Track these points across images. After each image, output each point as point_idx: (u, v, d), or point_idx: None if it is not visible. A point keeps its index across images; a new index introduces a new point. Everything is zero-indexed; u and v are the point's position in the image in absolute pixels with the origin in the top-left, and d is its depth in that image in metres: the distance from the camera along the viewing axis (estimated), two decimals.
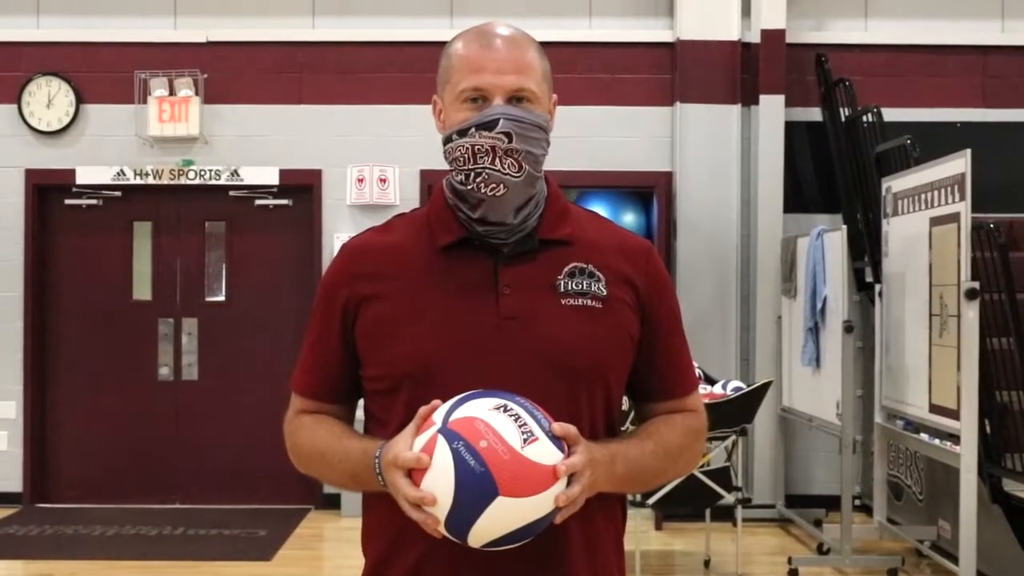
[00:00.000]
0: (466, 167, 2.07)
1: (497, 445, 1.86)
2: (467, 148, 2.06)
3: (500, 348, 2.03)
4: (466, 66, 2.09)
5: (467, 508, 1.87)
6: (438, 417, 1.92)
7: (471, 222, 2.12)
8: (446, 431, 1.89)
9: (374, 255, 2.15)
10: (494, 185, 2.06)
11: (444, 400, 1.95)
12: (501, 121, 2.04)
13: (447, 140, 2.10)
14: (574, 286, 2.11)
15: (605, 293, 2.12)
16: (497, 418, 1.88)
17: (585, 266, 2.13)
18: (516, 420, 1.88)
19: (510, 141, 2.04)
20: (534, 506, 1.88)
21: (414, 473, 1.91)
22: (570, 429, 1.93)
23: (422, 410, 1.94)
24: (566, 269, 2.12)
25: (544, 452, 1.88)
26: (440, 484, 1.87)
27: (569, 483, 1.91)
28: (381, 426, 2.10)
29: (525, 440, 1.87)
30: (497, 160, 2.05)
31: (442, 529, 1.90)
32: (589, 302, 2.10)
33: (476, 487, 1.85)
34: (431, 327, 2.06)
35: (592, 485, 1.95)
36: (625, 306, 2.14)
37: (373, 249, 2.17)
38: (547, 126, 2.12)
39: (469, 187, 2.08)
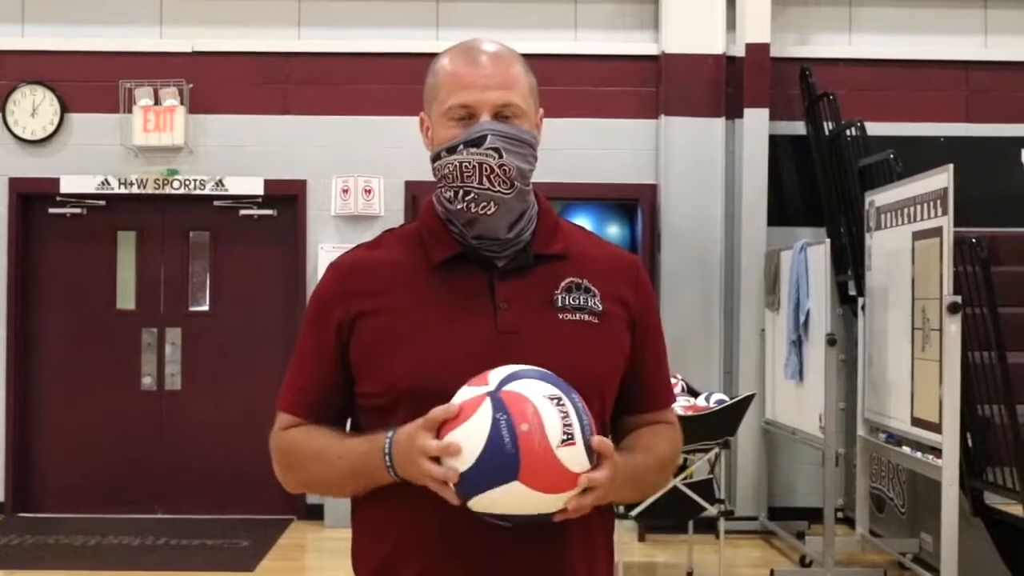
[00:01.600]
0: (455, 184, 2.07)
1: (536, 435, 1.85)
2: (455, 166, 2.06)
3: (499, 363, 1.99)
4: (452, 83, 2.10)
5: (483, 478, 1.86)
6: (494, 378, 1.91)
7: (465, 236, 2.12)
8: (496, 398, 1.88)
9: (367, 272, 2.14)
10: (484, 204, 2.06)
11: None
12: (489, 137, 2.05)
13: (436, 157, 2.11)
14: (571, 301, 2.12)
15: (601, 308, 2.13)
16: (548, 408, 1.87)
17: (581, 281, 2.14)
18: (564, 418, 1.87)
19: (500, 157, 2.05)
20: (544, 502, 1.89)
21: (443, 426, 1.90)
22: (607, 446, 1.94)
23: (439, 409, 1.91)
24: (563, 284, 2.13)
25: (575, 458, 1.88)
26: (468, 444, 1.87)
27: (584, 491, 1.91)
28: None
29: (563, 441, 1.86)
30: (486, 179, 2.05)
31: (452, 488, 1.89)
32: (587, 317, 2.12)
33: (500, 464, 1.85)
34: (430, 343, 2.05)
35: (604, 498, 1.97)
36: (619, 321, 2.16)
37: (365, 266, 2.16)
38: (534, 141, 2.13)
39: (459, 206, 2.08)
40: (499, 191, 2.06)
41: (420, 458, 1.90)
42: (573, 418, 1.88)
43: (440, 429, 1.91)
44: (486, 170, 2.05)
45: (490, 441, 1.85)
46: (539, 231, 2.16)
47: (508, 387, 1.89)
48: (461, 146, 2.06)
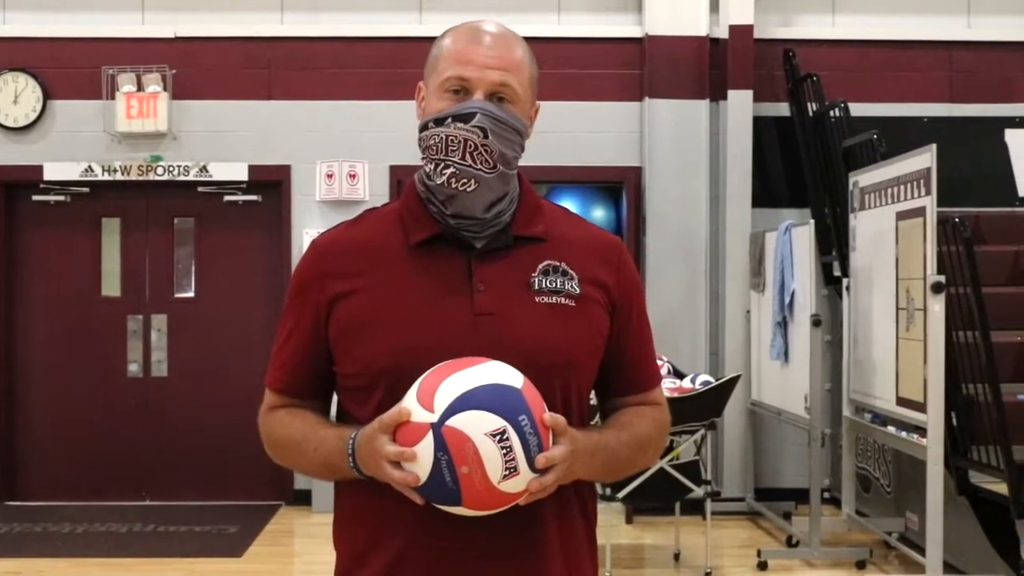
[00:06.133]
0: (437, 157, 2.06)
1: (476, 476, 1.86)
2: (441, 138, 2.06)
3: (475, 345, 2.01)
4: (452, 57, 2.10)
5: (431, 498, 1.92)
6: (439, 404, 1.89)
7: (444, 216, 2.12)
8: (438, 434, 1.87)
9: (346, 252, 2.14)
10: (465, 180, 2.05)
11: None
12: (478, 115, 2.04)
13: (423, 128, 2.10)
14: (548, 284, 2.11)
15: (578, 292, 2.13)
16: (488, 447, 1.86)
17: (559, 264, 2.13)
18: (506, 453, 1.86)
19: (485, 137, 2.04)
20: (496, 511, 1.94)
21: (397, 430, 1.92)
22: (559, 421, 1.95)
23: (391, 413, 1.94)
24: (540, 267, 2.12)
25: (519, 484, 1.90)
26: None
27: (545, 471, 1.93)
28: (355, 424, 2.08)
29: (505, 476, 1.87)
30: (468, 155, 2.04)
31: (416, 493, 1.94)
32: (563, 300, 2.11)
33: (442, 496, 1.90)
34: (406, 324, 2.06)
35: (568, 474, 1.98)
36: (597, 305, 2.15)
37: (345, 246, 2.16)
38: (524, 130, 2.11)
39: (439, 181, 2.07)
40: (480, 169, 2.05)
41: (382, 462, 1.93)
42: (517, 449, 1.87)
43: (395, 432, 1.93)
44: (470, 147, 2.04)
45: (432, 477, 1.88)
46: (520, 213, 2.15)
47: (451, 421, 1.87)
48: (449, 119, 2.05)
